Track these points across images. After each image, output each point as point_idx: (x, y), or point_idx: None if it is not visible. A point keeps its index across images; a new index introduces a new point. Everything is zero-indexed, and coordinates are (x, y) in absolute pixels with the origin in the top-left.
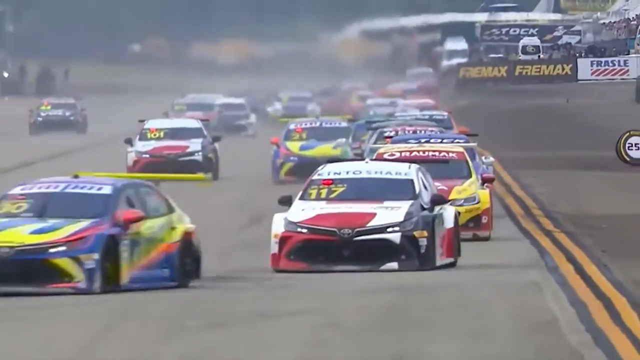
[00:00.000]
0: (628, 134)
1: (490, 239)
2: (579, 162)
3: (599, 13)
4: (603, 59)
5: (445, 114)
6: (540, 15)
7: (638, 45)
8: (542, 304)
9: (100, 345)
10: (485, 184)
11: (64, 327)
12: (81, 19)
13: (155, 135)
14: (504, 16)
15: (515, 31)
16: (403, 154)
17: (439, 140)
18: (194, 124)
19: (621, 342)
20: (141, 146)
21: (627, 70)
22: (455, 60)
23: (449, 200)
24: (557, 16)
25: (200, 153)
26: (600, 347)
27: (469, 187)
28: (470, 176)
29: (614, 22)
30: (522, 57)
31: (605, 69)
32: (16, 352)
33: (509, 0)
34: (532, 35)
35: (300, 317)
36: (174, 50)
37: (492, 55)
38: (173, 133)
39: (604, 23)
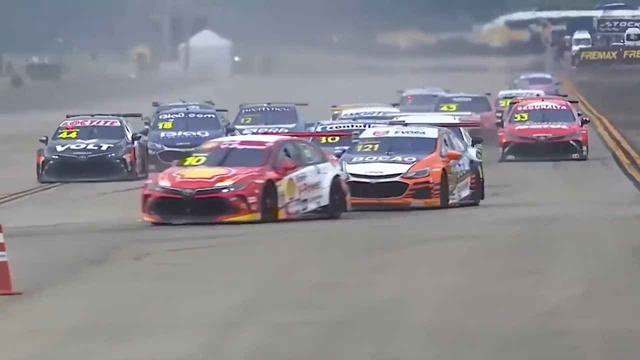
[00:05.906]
0: None
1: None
2: None
3: None
4: None
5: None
6: None
7: None
8: None
9: (296, 265)
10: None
11: (262, 253)
12: (291, 14)
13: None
14: (615, 13)
15: (623, 24)
16: None
17: None
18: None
19: None
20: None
21: None
22: (580, 46)
23: None
24: None
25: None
26: None
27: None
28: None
29: None
30: (627, 43)
31: None
32: (219, 275)
33: (619, 0)
34: (636, 27)
35: (454, 241)
36: (364, 39)
37: (614, 44)
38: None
39: None
